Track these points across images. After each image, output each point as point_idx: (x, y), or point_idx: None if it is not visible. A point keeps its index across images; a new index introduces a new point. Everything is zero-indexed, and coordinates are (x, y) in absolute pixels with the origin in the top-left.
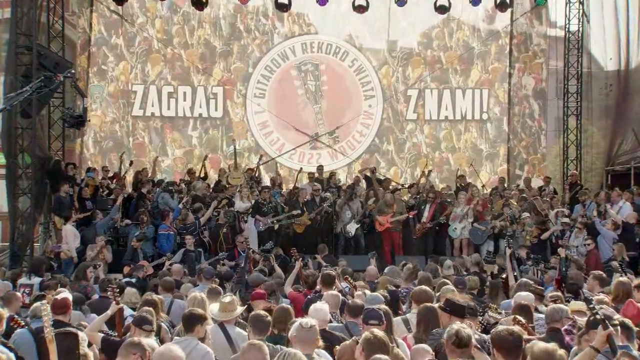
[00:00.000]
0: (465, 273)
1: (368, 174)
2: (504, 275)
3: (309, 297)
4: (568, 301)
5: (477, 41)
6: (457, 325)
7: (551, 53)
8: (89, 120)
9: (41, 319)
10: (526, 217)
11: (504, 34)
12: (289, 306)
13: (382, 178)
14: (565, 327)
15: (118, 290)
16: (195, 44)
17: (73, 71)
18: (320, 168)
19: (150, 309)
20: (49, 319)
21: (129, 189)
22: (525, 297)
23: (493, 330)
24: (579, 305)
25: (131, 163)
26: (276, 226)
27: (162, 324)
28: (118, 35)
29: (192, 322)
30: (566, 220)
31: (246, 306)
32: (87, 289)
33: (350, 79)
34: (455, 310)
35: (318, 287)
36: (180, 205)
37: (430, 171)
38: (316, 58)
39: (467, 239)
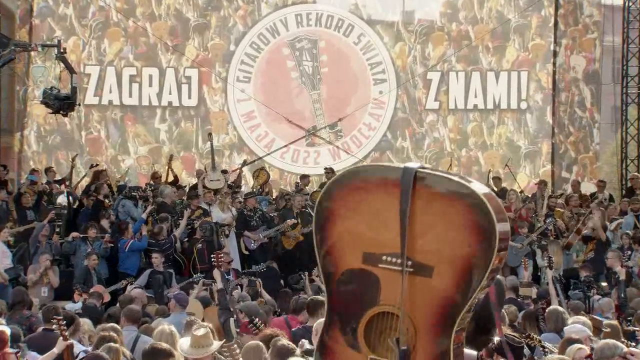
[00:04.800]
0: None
1: None
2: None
3: (293, 330)
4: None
5: (515, 12)
6: None
7: (606, 26)
8: (79, 104)
9: None
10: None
11: (548, 3)
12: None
13: None
14: None
15: (65, 322)
16: (164, 15)
17: (59, 38)
18: (305, 177)
19: (110, 344)
20: None
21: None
22: (579, 330)
23: None
24: None
25: (92, 166)
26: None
27: None
28: (67, 4)
29: (156, 358)
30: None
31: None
32: (30, 320)
33: (356, 59)
34: None
35: (304, 318)
36: (144, 215)
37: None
38: (314, 33)
39: None
